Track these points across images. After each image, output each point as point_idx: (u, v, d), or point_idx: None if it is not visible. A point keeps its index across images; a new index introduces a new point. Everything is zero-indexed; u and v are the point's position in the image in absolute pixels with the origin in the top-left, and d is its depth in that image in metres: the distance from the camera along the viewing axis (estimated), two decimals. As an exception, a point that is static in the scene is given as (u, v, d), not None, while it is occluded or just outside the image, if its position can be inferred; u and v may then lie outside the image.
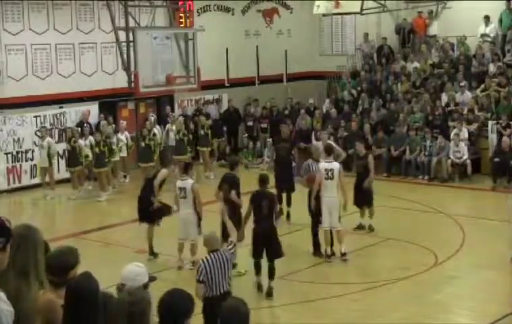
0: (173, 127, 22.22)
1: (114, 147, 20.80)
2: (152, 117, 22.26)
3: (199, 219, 13.49)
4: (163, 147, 21.85)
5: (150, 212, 14.22)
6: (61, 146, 21.34)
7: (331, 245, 14.05)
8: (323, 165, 13.91)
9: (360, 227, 15.71)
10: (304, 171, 14.85)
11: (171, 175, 15.92)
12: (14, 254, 4.51)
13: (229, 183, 13.24)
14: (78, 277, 4.60)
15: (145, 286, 6.34)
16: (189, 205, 13.42)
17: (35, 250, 4.67)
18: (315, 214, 14.13)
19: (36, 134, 20.84)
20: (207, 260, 9.08)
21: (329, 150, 14.35)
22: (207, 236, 9.66)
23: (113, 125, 21.73)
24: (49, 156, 20.04)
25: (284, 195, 16.62)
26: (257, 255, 12.35)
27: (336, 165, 13.90)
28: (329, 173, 13.75)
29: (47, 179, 20.32)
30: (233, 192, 13.12)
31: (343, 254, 13.88)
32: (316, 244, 14.21)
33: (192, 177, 13.95)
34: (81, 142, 20.36)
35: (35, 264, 4.64)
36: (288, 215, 16.48)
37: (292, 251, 14.81)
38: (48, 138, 20.32)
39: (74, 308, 4.37)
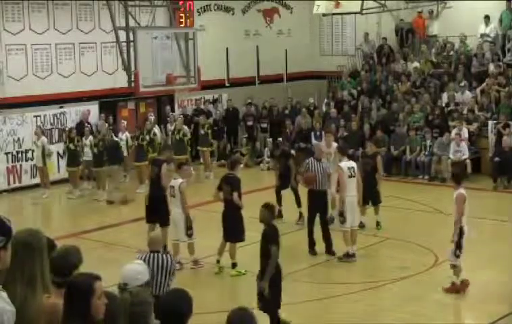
0: (173, 127, 22.21)
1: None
2: (152, 117, 22.26)
3: (187, 220, 13.25)
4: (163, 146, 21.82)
5: (161, 212, 13.99)
6: (61, 146, 21.37)
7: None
8: (346, 164, 13.97)
9: (360, 225, 15.71)
10: (303, 170, 14.87)
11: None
12: (22, 265, 4.51)
13: (231, 185, 13.17)
14: (77, 276, 4.59)
15: (147, 283, 6.35)
16: (178, 204, 13.28)
17: (41, 257, 4.65)
18: (323, 214, 14.27)
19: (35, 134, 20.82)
20: (147, 257, 9.04)
21: (344, 151, 14.57)
22: (151, 236, 9.93)
23: (106, 124, 21.60)
24: (43, 156, 20.05)
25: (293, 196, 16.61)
26: (279, 305, 10.42)
27: (354, 163, 14.17)
28: (352, 171, 13.88)
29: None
30: (235, 195, 13.05)
31: (353, 255, 13.89)
32: (311, 243, 14.27)
33: (190, 174, 13.81)
34: (86, 141, 20.42)
35: (41, 271, 4.63)
36: (300, 215, 16.24)
37: (292, 251, 14.84)
38: (43, 138, 20.32)
39: (70, 306, 4.37)
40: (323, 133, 21.57)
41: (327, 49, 28.77)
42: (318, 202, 14.26)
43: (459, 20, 25.16)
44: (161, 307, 4.65)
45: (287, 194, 16.62)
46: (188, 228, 13.29)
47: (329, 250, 14.21)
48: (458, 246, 11.71)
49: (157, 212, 14.00)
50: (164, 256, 9.32)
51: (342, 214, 13.85)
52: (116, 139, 20.63)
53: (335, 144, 16.57)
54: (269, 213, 10.38)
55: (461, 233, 11.69)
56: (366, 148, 16.48)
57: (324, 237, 14.24)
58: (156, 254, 9.13)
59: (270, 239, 10.16)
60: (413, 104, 22.87)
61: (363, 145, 19.40)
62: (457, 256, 11.76)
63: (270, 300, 10.09)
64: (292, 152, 19.18)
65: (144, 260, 9.08)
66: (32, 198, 20.29)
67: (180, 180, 13.39)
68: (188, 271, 13.45)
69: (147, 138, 20.91)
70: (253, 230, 14.88)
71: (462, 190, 11.78)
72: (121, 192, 19.69)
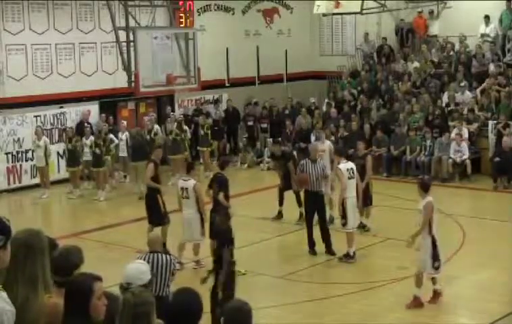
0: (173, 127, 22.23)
1: (112, 146, 20.87)
2: (152, 117, 22.24)
3: (202, 219, 13.40)
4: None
5: (154, 211, 14.13)
6: (62, 146, 21.37)
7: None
8: (345, 165, 13.96)
9: (361, 226, 15.70)
10: (299, 171, 14.88)
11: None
12: (23, 265, 4.51)
13: (219, 185, 13.32)
14: (77, 276, 4.58)
15: (149, 283, 6.35)
16: (191, 205, 13.39)
17: (42, 257, 4.65)
18: (321, 217, 14.26)
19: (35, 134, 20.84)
20: (147, 257, 8.95)
21: (341, 153, 14.57)
22: (150, 236, 10.02)
23: (106, 124, 21.60)
24: (46, 156, 20.05)
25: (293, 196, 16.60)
26: None
27: (353, 164, 14.14)
28: (351, 172, 13.88)
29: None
30: (221, 195, 13.24)
31: (353, 256, 13.87)
32: (311, 243, 14.27)
33: (195, 178, 13.92)
34: (86, 141, 20.41)
35: (43, 271, 4.63)
36: (301, 215, 16.19)
37: (292, 251, 14.85)
38: (45, 138, 20.37)
39: (70, 306, 4.36)
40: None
41: (327, 49, 28.77)
42: (314, 202, 14.28)
43: (459, 20, 25.15)
44: (170, 308, 4.60)
45: (287, 194, 16.62)
46: (201, 227, 13.40)
47: (329, 250, 14.20)
48: (435, 257, 11.41)
49: (148, 210, 14.22)
50: (164, 256, 9.31)
51: (343, 216, 13.85)
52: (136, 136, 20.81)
53: (328, 142, 16.64)
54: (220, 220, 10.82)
55: (434, 243, 11.43)
56: (357, 149, 16.36)
57: (323, 237, 14.24)
58: (155, 254, 9.12)
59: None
60: (413, 104, 22.85)
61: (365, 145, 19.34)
62: (436, 269, 11.36)
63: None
64: (294, 153, 19.21)
65: (144, 261, 9.07)
66: (32, 198, 20.29)
67: (193, 181, 13.47)
68: (189, 271, 13.45)
69: (147, 137, 20.95)
70: (253, 230, 14.94)
71: (430, 198, 11.56)
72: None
